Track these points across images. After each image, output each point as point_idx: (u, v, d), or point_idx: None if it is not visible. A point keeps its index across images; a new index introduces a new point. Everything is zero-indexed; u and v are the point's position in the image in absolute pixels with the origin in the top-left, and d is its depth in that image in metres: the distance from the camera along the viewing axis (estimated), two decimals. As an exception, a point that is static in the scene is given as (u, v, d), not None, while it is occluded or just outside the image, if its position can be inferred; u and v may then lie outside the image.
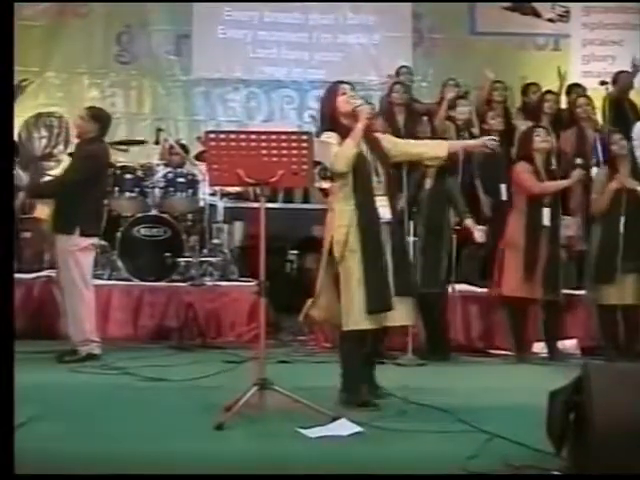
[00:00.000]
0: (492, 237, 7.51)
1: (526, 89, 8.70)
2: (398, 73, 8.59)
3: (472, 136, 7.74)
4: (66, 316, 6.30)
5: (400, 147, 4.96)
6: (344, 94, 4.75)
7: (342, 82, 4.85)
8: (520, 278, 6.46)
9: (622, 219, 6.49)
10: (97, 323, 6.69)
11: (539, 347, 6.71)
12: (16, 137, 9.26)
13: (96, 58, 9.82)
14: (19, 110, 9.52)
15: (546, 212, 6.53)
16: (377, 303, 4.56)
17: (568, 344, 6.76)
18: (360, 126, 4.62)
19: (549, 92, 8.18)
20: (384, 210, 4.67)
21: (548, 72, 8.93)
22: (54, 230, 6.23)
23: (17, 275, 7.39)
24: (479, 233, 6.59)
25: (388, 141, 4.91)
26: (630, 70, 8.31)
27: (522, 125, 7.76)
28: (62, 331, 7.15)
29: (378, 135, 4.93)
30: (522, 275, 6.45)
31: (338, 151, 4.59)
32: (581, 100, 7.88)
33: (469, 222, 6.62)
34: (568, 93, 8.50)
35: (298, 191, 8.70)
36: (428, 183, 6.64)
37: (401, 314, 4.65)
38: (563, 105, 8.36)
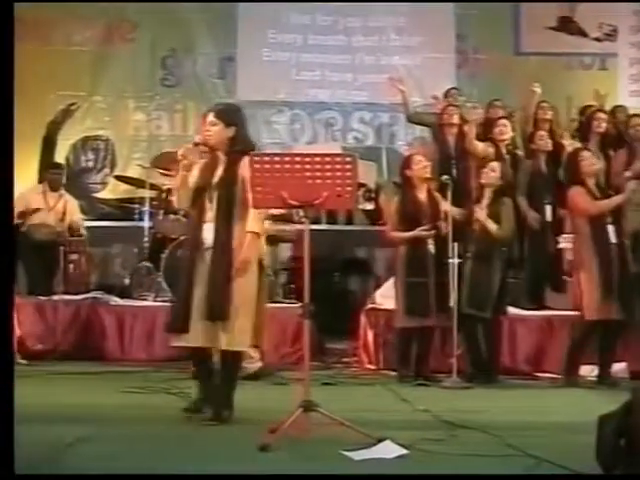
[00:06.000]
0: (537, 258, 7.45)
1: (583, 110, 8.57)
2: (447, 95, 8.53)
3: (515, 157, 7.66)
4: None
5: None
6: None
7: None
8: (598, 300, 6.35)
9: None
10: (143, 344, 6.73)
11: (587, 370, 6.60)
12: (63, 160, 9.39)
13: (142, 82, 9.95)
14: (67, 134, 9.68)
15: (611, 229, 6.47)
16: (170, 324, 4.79)
17: (617, 367, 6.64)
18: None
19: (599, 111, 8.08)
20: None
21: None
22: None
23: (64, 297, 7.51)
24: None
25: None
26: None
27: (569, 146, 7.67)
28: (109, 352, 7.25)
29: None
30: (600, 296, 6.35)
31: None
32: (636, 120, 7.75)
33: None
34: (612, 114, 8.39)
35: (342, 213, 8.70)
36: (484, 205, 6.60)
37: (203, 336, 4.64)
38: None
